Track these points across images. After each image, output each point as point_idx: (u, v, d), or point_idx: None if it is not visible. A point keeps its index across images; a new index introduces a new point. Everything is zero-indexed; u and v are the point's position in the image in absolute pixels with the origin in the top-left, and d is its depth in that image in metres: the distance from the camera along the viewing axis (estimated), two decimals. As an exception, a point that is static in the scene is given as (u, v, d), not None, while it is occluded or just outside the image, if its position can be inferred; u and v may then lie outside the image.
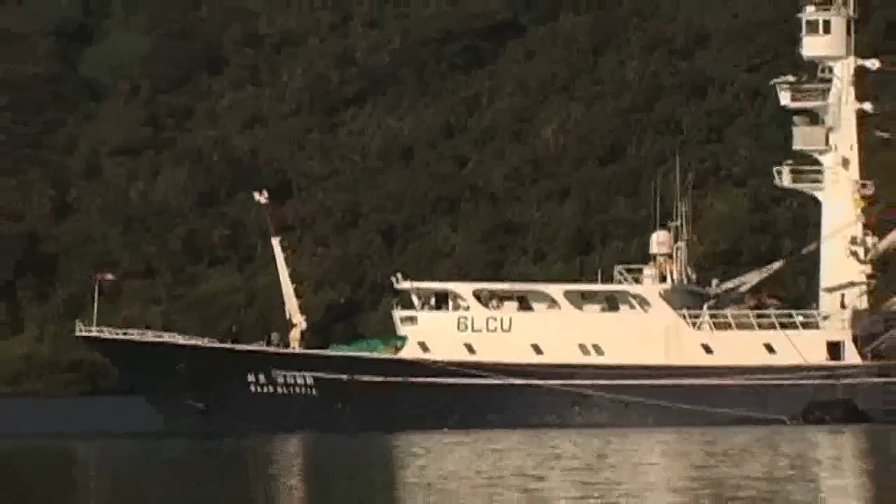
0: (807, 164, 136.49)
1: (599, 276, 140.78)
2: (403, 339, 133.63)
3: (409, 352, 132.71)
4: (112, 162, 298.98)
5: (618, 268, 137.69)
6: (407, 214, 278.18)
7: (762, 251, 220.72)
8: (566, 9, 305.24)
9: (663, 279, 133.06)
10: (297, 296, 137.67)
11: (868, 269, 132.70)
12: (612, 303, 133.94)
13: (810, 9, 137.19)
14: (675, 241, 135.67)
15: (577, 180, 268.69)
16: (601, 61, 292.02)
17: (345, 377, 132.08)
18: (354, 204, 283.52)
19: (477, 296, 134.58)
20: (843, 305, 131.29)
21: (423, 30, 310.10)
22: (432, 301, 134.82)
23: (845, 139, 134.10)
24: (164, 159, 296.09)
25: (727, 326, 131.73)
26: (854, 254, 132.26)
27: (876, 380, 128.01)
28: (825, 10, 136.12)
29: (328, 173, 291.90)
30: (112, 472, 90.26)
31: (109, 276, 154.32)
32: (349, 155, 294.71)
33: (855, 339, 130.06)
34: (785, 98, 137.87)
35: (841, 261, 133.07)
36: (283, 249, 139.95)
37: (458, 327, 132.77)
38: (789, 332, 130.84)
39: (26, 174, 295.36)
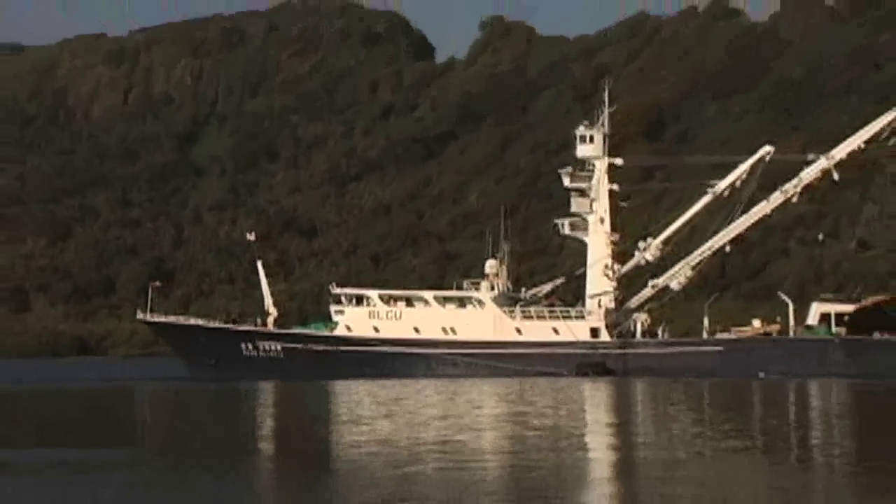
0: (579, 220, 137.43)
1: (455, 286, 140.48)
2: (336, 323, 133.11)
3: (340, 331, 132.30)
4: (209, 214, 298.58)
5: (465, 281, 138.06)
6: (387, 247, 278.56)
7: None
8: (485, 124, 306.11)
9: (492, 288, 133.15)
10: (272, 296, 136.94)
11: (614, 284, 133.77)
12: (462, 303, 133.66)
13: (581, 127, 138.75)
14: (500, 265, 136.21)
15: (491, 226, 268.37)
16: (506, 154, 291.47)
17: (300, 346, 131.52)
18: (355, 240, 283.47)
19: (381, 298, 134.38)
20: (599, 305, 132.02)
21: (399, 135, 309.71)
22: (354, 301, 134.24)
23: (601, 207, 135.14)
24: (240, 213, 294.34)
25: (531, 317, 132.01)
26: (606, 275, 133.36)
27: (619, 350, 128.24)
28: (590, 128, 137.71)
29: (339, 222, 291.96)
30: (161, 399, 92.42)
31: (157, 284, 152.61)
32: (352, 211, 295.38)
33: (607, 326, 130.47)
34: (566, 181, 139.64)
35: (598, 279, 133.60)
36: (265, 268, 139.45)
37: (369, 316, 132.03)
38: (568, 321, 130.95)
39: (157, 221, 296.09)
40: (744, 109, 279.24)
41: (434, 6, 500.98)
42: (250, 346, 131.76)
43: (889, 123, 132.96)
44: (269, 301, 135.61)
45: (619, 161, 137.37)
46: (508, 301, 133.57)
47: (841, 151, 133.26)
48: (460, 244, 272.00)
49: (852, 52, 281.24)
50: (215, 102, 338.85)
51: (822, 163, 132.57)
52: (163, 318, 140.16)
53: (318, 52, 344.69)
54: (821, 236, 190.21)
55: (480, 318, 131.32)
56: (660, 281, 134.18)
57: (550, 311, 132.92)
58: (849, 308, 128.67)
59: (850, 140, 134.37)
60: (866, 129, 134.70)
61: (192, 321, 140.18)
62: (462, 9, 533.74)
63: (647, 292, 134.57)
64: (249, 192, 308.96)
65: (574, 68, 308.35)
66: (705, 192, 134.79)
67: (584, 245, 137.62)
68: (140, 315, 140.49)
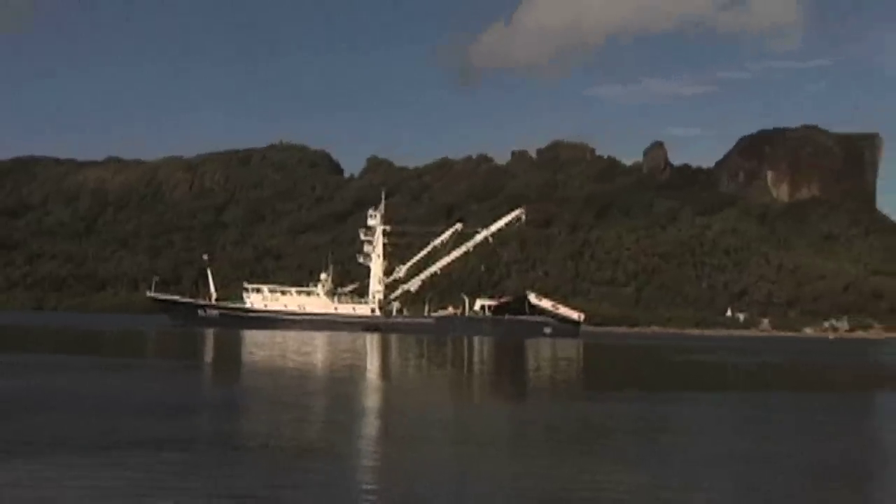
0: (367, 256, 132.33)
1: (305, 285, 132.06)
2: (245, 300, 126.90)
3: (247, 305, 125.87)
4: (230, 246, 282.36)
5: (311, 283, 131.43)
6: (314, 266, 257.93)
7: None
8: (367, 209, 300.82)
9: (324, 287, 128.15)
10: (216, 289, 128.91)
11: (383, 287, 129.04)
12: (308, 294, 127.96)
13: (370, 210, 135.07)
14: (328, 276, 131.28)
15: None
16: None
17: (228, 312, 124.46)
18: (301, 262, 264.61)
19: (268, 289, 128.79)
20: (375, 298, 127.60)
21: (324, 212, 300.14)
22: (255, 290, 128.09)
23: (378, 248, 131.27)
24: (245, 247, 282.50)
25: (342, 302, 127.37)
26: (379, 283, 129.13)
27: (384, 320, 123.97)
28: (374, 210, 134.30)
29: (294, 253, 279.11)
30: (161, 336, 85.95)
31: (157, 278, 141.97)
32: (300, 248, 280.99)
33: (379, 308, 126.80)
34: (361, 235, 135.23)
35: (376, 284, 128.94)
36: (212, 277, 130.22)
37: (263, 299, 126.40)
38: (360, 305, 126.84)
39: (204, 249, 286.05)
40: (495, 207, 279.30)
41: (346, 148, 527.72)
42: (203, 311, 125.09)
43: (514, 217, 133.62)
44: (212, 290, 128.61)
45: (388, 227, 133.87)
46: (331, 294, 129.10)
47: (493, 227, 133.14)
48: (350, 267, 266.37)
49: (544, 182, 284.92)
50: (234, 192, 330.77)
51: (485, 233, 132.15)
52: (157, 295, 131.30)
53: (286, 169, 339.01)
54: (483, 267, 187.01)
55: (317, 301, 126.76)
56: (406, 286, 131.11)
57: (352, 299, 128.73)
58: (494, 302, 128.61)
59: (497, 223, 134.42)
60: (503, 219, 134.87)
61: (173, 298, 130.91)
62: (356, 151, 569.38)
63: (399, 292, 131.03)
64: (250, 235, 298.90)
65: (427, 181, 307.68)
66: (427, 246, 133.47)
67: (369, 268, 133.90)
68: (148, 293, 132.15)
